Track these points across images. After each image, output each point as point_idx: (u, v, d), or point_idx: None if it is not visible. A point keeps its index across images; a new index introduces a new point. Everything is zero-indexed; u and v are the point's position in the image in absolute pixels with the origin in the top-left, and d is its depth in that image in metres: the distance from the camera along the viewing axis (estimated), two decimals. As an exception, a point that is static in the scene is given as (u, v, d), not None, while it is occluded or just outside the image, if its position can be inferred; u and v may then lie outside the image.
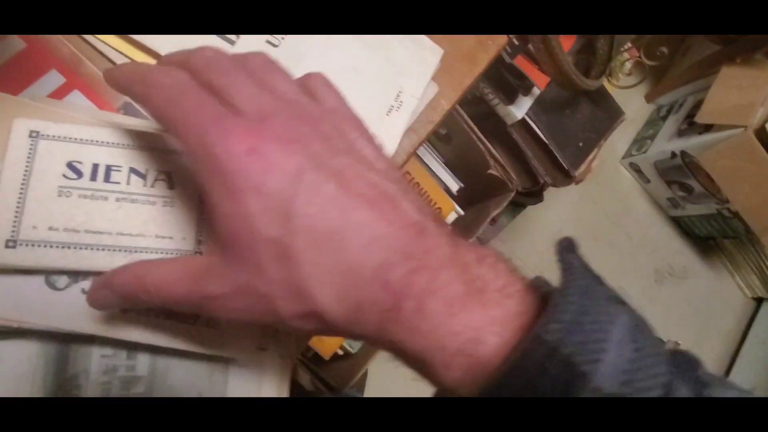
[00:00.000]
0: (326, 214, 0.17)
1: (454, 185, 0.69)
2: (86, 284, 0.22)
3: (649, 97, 1.29)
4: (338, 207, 0.17)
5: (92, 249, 0.21)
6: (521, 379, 0.16)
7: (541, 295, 0.18)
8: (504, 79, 0.72)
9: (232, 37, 0.28)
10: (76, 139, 0.22)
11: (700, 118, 1.02)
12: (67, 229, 0.21)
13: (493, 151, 0.67)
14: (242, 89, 0.19)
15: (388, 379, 0.82)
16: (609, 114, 0.82)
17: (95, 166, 0.22)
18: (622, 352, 0.16)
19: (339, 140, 0.19)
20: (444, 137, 0.72)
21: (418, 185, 0.65)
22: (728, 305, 1.33)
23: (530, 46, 0.64)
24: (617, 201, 1.25)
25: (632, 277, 1.22)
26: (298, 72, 0.23)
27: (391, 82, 0.31)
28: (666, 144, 1.14)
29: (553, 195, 0.94)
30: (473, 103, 0.74)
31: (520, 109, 0.73)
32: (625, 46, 0.78)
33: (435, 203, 0.67)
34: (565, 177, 0.77)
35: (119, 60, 0.26)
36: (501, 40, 0.38)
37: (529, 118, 0.72)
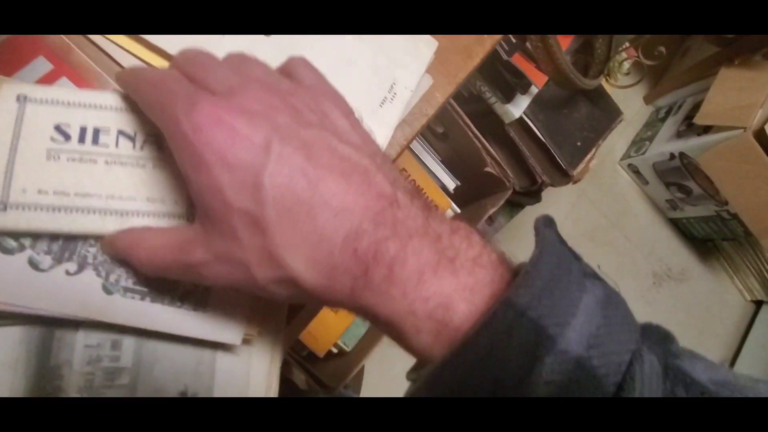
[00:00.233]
0: (295, 185, 0.18)
1: (451, 183, 0.69)
2: (70, 266, 0.21)
3: (648, 99, 1.29)
4: (306, 178, 0.18)
5: (83, 212, 0.21)
6: (488, 340, 0.16)
7: (513, 267, 0.19)
8: (502, 78, 0.71)
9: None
10: (63, 102, 0.22)
11: (699, 119, 1.02)
12: (57, 192, 0.21)
13: (490, 149, 0.67)
14: (215, 73, 0.20)
15: (385, 378, 0.81)
16: (607, 113, 0.82)
17: (83, 129, 0.22)
18: (591, 319, 0.16)
19: (310, 114, 0.20)
20: (441, 135, 0.72)
21: (414, 182, 0.65)
22: (727, 308, 1.32)
23: (528, 44, 0.64)
24: (615, 202, 1.25)
25: (630, 278, 1.22)
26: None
27: (384, 73, 0.31)
28: (665, 145, 1.14)
29: (551, 196, 0.94)
30: (470, 101, 0.74)
31: (517, 108, 0.72)
32: (624, 46, 0.78)
33: (431, 201, 0.66)
34: (563, 176, 0.76)
35: (109, 48, 0.26)
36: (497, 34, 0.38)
37: (527, 116, 0.72)
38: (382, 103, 0.31)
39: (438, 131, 0.72)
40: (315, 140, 0.19)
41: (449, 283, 0.17)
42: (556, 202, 1.14)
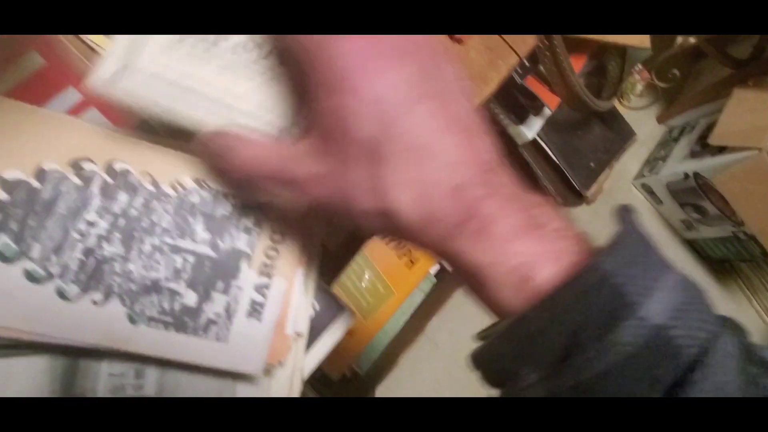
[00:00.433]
0: (423, 128, 0.19)
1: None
2: (96, 295, 0.22)
3: (661, 119, 1.29)
4: (436, 124, 0.19)
5: (195, 98, 0.22)
6: (571, 298, 0.17)
7: (594, 245, 0.19)
8: (515, 100, 0.72)
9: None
10: None
11: (713, 140, 1.01)
12: (176, 74, 0.22)
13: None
14: None
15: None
16: (620, 135, 0.82)
17: None
18: (674, 295, 0.16)
19: (448, 71, 0.21)
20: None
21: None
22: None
23: (541, 67, 0.64)
24: (629, 222, 1.23)
25: (646, 300, 1.20)
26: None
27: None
28: (679, 165, 1.13)
29: (564, 216, 0.93)
30: (484, 124, 0.74)
31: (531, 130, 0.72)
32: (637, 68, 0.78)
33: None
34: (577, 197, 0.76)
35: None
36: (512, 60, 0.38)
37: (540, 138, 0.72)
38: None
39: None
40: (448, 93, 0.20)
41: (536, 246, 0.18)
42: (569, 222, 1.13)
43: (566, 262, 0.18)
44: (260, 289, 0.25)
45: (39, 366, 0.21)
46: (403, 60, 0.19)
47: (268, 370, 0.24)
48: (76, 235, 0.22)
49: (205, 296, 0.23)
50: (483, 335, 0.21)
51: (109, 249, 0.22)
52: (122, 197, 0.23)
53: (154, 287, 0.23)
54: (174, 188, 0.24)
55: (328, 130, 0.19)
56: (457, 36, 0.35)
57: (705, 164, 1.05)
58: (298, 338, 0.26)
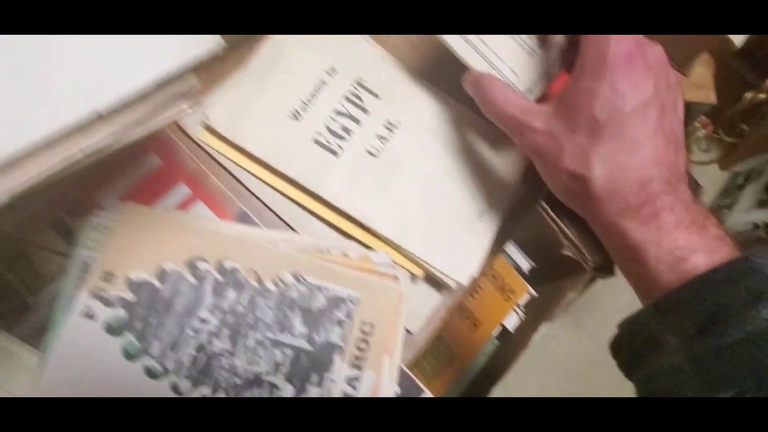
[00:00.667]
0: (640, 127, 0.24)
1: (526, 264, 0.68)
2: (205, 390, 0.22)
3: (724, 165, 1.23)
4: (650, 128, 0.25)
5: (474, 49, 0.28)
6: (721, 277, 0.21)
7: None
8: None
9: (335, 148, 0.30)
10: None
11: (785, 189, 0.96)
12: None
13: (566, 230, 0.66)
14: None
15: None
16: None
17: None
18: None
19: (675, 95, 0.27)
20: (513, 213, 0.71)
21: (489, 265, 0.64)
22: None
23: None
24: (693, 273, 1.17)
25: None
26: (396, 176, 0.27)
27: (480, 186, 0.32)
28: (746, 215, 1.08)
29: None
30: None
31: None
32: (700, 119, 0.76)
33: (507, 283, 0.65)
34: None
35: (240, 174, 0.29)
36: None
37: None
38: (480, 216, 0.32)
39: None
40: (669, 110, 0.26)
41: (696, 238, 0.23)
42: (628, 273, 1.09)
43: (719, 255, 0.22)
44: (352, 381, 0.25)
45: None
46: (651, 74, 0.25)
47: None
48: (190, 332, 0.23)
49: (300, 389, 0.24)
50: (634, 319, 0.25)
51: (218, 345, 0.23)
52: (231, 294, 0.24)
53: (256, 381, 0.24)
54: (275, 284, 0.25)
55: (574, 102, 0.25)
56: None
57: (777, 215, 0.99)
58: None
